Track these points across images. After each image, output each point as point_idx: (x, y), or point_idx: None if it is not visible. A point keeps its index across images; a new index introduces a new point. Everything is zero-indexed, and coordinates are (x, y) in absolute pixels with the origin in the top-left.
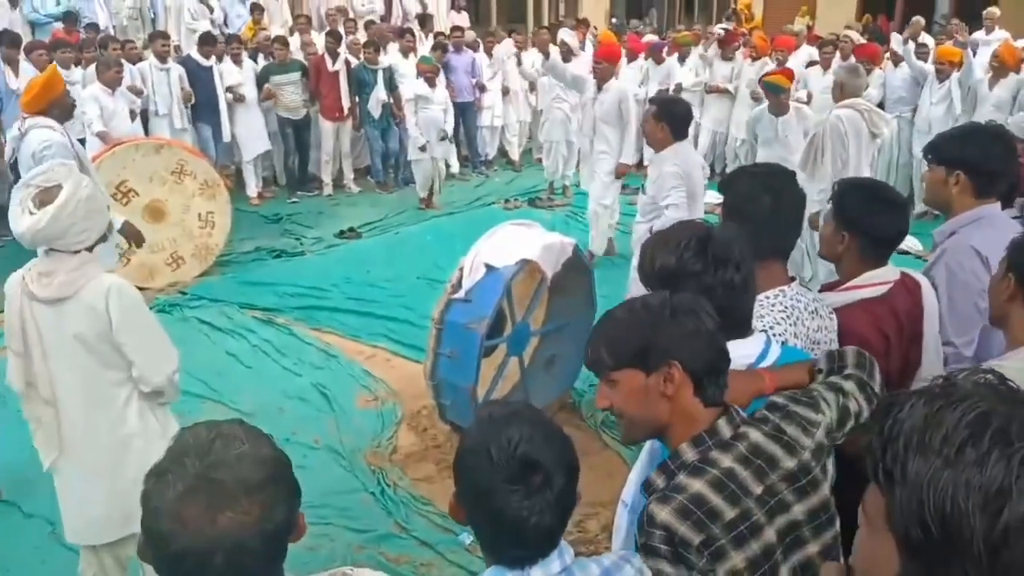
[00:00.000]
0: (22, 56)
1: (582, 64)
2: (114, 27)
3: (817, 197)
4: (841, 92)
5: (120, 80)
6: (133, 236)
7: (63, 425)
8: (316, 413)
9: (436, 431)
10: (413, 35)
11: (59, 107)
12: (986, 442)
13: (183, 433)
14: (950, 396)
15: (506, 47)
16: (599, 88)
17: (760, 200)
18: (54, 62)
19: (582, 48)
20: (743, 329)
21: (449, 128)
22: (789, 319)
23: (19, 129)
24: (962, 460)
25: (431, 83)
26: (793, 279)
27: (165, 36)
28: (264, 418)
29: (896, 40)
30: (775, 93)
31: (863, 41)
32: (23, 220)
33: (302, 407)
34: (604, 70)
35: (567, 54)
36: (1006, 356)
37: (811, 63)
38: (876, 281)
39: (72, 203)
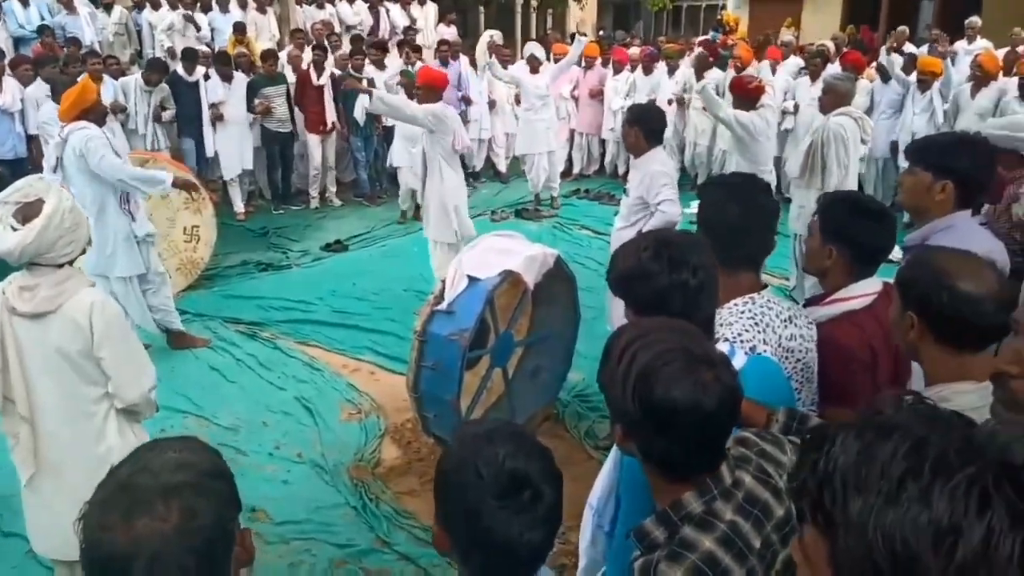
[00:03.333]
0: (7, 72)
1: (547, 75)
2: (99, 42)
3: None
4: (833, 99)
5: None
6: (182, 185)
7: (40, 442)
8: (299, 427)
9: (419, 444)
10: (386, 49)
11: (93, 114)
12: (926, 475)
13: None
14: (881, 427)
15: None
16: None
17: (727, 209)
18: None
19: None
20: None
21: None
22: (758, 326)
23: (60, 136)
24: (905, 496)
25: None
26: (765, 287)
27: (164, 69)
28: (247, 433)
29: (884, 54)
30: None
31: (833, 51)
32: (8, 237)
33: (285, 421)
34: (423, 98)
35: (535, 67)
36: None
37: (800, 73)
38: (860, 293)
39: (58, 216)
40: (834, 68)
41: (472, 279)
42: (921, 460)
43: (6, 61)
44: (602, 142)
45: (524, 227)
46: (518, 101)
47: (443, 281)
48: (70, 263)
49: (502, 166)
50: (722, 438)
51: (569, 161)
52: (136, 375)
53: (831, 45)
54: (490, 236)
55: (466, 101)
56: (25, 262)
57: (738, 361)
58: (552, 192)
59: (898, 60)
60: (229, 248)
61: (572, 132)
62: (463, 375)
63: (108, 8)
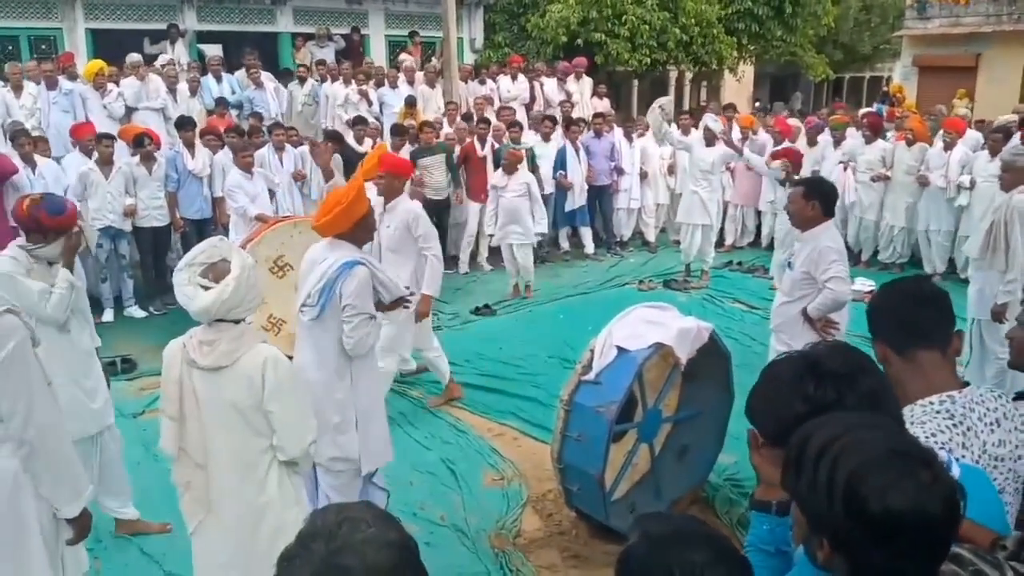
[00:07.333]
0: (198, 140)
1: (716, 154)
2: (281, 115)
3: (1006, 288)
4: (1014, 176)
5: (251, 164)
6: None
7: (212, 488)
8: (444, 489)
9: (561, 516)
10: (553, 122)
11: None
12: None
13: (313, 517)
14: None
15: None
16: (383, 208)
17: (893, 287)
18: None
19: (727, 133)
20: None
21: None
22: (956, 428)
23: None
24: None
25: (509, 172)
26: (967, 384)
27: (340, 139)
28: (394, 491)
29: None
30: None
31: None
32: (202, 296)
33: (431, 482)
34: (389, 186)
35: (711, 139)
36: None
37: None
38: None
39: (245, 273)
40: (1016, 142)
41: (621, 350)
42: None
43: (197, 131)
44: (758, 213)
45: (673, 298)
46: (670, 171)
47: (591, 350)
48: (245, 319)
49: (651, 236)
50: (946, 547)
51: (722, 233)
52: (300, 430)
53: (1016, 119)
54: (641, 307)
55: (618, 171)
56: (217, 318)
57: (953, 474)
58: (704, 265)
59: None
60: None
61: (726, 204)
62: (609, 449)
63: (302, 81)
